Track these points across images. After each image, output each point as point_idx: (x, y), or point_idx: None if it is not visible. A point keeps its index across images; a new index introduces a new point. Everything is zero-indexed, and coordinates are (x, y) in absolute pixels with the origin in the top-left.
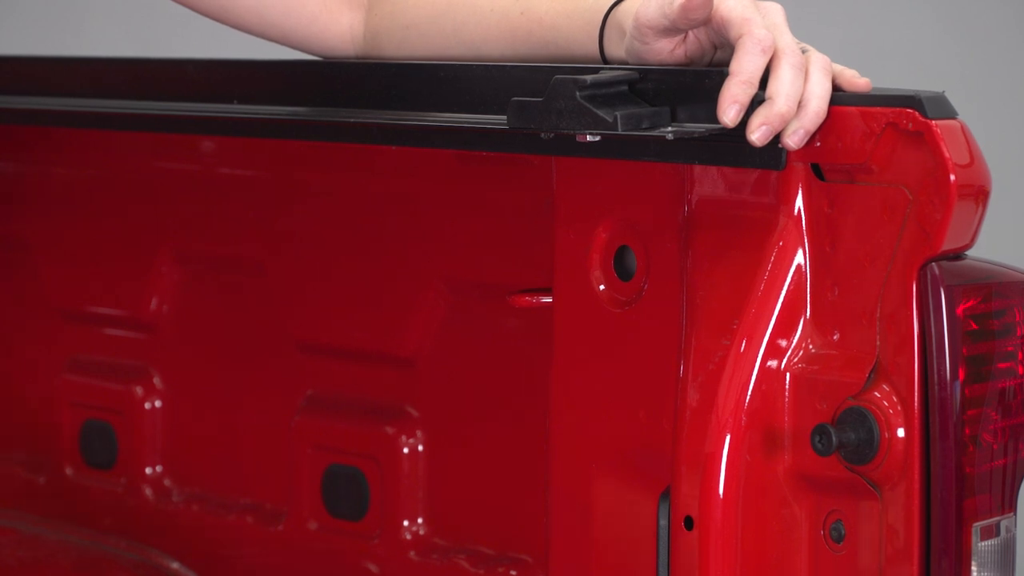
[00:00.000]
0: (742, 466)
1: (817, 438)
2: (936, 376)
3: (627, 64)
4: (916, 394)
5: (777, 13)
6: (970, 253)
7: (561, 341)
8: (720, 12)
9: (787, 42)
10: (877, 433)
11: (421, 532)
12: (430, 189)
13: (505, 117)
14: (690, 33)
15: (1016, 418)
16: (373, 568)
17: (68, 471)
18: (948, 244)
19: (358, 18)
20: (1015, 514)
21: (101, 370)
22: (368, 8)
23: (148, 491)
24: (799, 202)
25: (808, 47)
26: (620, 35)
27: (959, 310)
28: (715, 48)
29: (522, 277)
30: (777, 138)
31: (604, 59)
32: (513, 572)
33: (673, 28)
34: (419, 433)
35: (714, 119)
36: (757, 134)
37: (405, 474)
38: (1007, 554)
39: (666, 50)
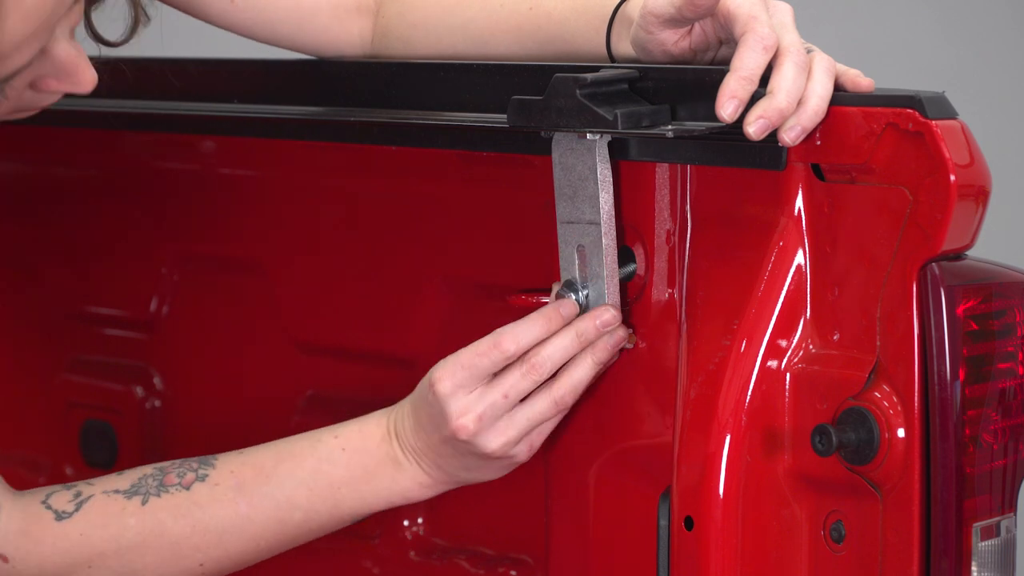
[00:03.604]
0: (742, 466)
1: (817, 438)
2: (936, 376)
3: (633, 61)
4: (916, 394)
5: (785, 13)
6: (970, 253)
7: None
8: (727, 7)
9: (792, 40)
10: (877, 433)
11: (421, 532)
12: (430, 189)
13: (505, 116)
14: (696, 26)
15: (1016, 418)
16: (373, 568)
17: (68, 471)
18: (948, 244)
19: (368, 24)
20: (1015, 514)
21: (101, 370)
22: (376, 11)
23: None
24: (799, 202)
25: (814, 48)
26: (628, 29)
27: (959, 310)
28: (720, 43)
29: (522, 277)
30: (776, 138)
31: (610, 54)
32: (513, 572)
33: (680, 18)
34: None
35: (714, 118)
36: (754, 127)
37: None
38: (1007, 554)
39: (670, 41)
